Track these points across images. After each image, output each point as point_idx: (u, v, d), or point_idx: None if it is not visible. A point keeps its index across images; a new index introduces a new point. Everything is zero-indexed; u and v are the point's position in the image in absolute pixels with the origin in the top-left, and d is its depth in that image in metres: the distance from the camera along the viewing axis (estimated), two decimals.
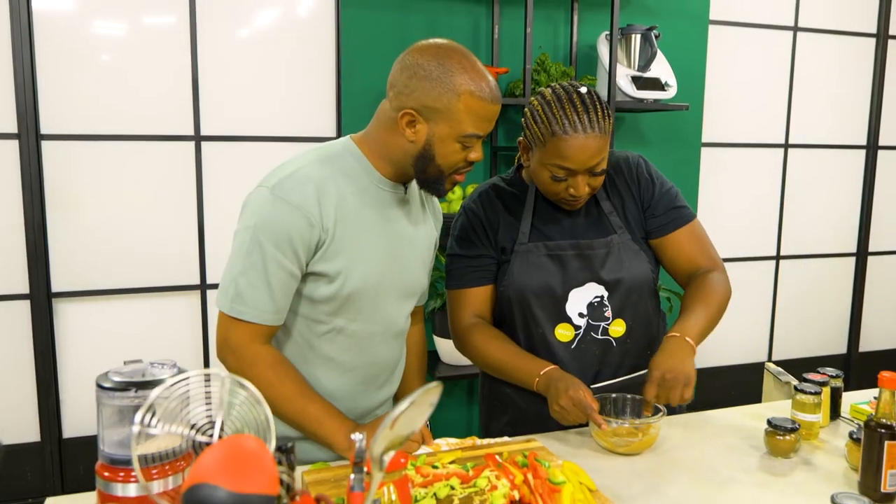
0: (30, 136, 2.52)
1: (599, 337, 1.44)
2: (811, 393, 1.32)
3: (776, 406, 1.54)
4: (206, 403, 0.78)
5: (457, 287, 1.49)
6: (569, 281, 1.42)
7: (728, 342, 3.65)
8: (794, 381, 1.71)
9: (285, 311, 1.23)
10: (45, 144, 2.56)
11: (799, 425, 1.26)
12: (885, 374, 1.08)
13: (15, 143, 2.52)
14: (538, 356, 1.43)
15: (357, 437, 0.74)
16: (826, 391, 1.38)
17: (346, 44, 2.74)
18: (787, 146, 3.62)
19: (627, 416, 1.33)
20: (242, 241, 1.19)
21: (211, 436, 0.78)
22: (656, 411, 1.30)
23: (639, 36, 2.84)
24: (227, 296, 1.20)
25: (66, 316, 2.67)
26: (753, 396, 3.75)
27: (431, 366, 2.76)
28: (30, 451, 2.67)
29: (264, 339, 1.22)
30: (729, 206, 3.56)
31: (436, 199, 1.48)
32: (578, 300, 1.43)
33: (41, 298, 2.60)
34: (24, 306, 2.61)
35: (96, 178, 2.63)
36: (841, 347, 3.94)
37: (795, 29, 3.52)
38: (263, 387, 1.19)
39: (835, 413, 1.44)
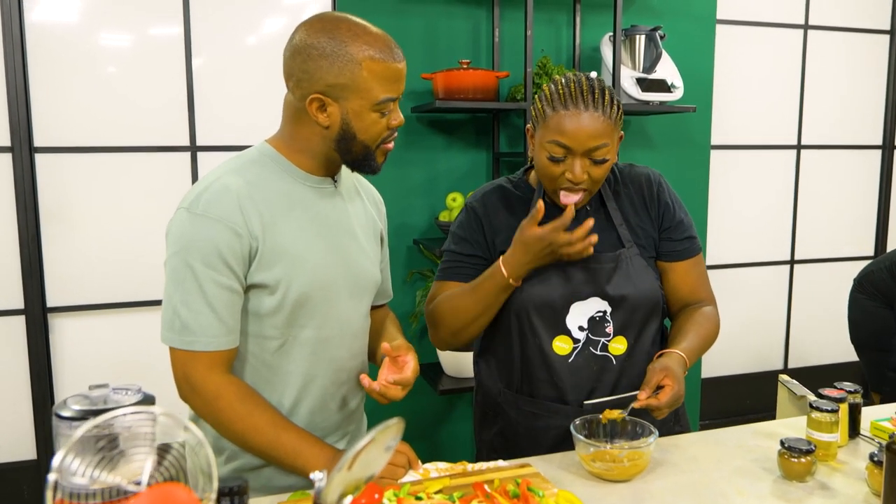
0: (23, 149, 2.48)
1: (598, 353, 1.37)
2: (828, 410, 1.23)
3: (791, 424, 1.45)
4: (142, 444, 0.71)
5: (441, 279, 1.47)
6: (572, 293, 1.36)
7: (741, 350, 3.55)
8: (811, 395, 1.62)
9: (237, 331, 1.17)
10: (38, 157, 2.52)
11: (815, 446, 1.18)
12: None
13: (8, 157, 2.49)
14: (533, 367, 1.38)
15: (317, 476, 0.67)
16: (844, 408, 1.29)
17: None
18: (799, 147, 3.52)
19: (619, 440, 1.25)
20: (173, 270, 1.13)
21: (139, 483, 0.71)
22: (647, 433, 1.22)
23: (643, 37, 2.76)
24: (174, 329, 1.13)
25: (62, 331, 2.62)
26: (767, 406, 3.65)
27: (434, 379, 2.69)
28: (26, 469, 2.62)
29: (224, 367, 1.15)
30: (740, 209, 3.47)
31: (373, 188, 1.43)
32: (579, 313, 1.36)
33: (36, 313, 2.56)
34: (19, 322, 2.57)
35: (91, 190, 2.59)
36: None
37: (806, 27, 3.43)
38: (231, 420, 1.13)
39: (854, 431, 1.35)
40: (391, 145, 1.22)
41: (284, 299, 1.17)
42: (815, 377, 3.67)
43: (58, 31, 2.49)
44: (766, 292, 3.59)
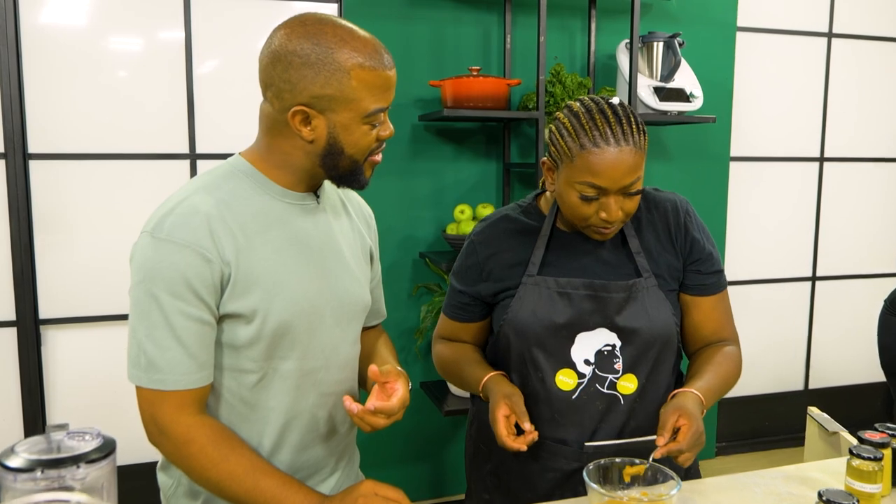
0: (16, 156, 2.40)
1: (605, 390, 1.26)
2: (870, 458, 1.11)
3: (826, 467, 1.33)
4: None
5: (447, 314, 1.44)
6: (577, 323, 1.25)
7: (761, 370, 3.41)
8: (844, 432, 1.50)
9: (211, 366, 1.06)
10: (32, 164, 2.44)
11: (857, 499, 1.06)
12: None
13: (1, 163, 2.41)
14: (533, 403, 1.27)
15: None
16: (888, 454, 1.17)
17: None
18: (822, 160, 3.39)
19: (635, 486, 1.13)
20: (137, 301, 1.03)
21: None
22: (668, 479, 1.10)
23: (661, 44, 2.65)
24: (139, 366, 1.02)
25: (55, 344, 2.53)
26: (787, 429, 3.53)
27: (440, 398, 2.58)
28: None
29: (195, 407, 1.04)
30: (760, 224, 3.34)
31: (362, 201, 1.33)
32: (586, 345, 1.25)
33: (28, 325, 2.47)
34: (11, 334, 2.48)
35: (86, 198, 2.50)
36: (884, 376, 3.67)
37: (830, 35, 3.31)
38: (204, 467, 1.01)
39: None
40: (379, 158, 1.12)
41: (262, 329, 1.06)
42: (838, 399, 3.53)
43: (54, 34, 2.41)
44: (786, 310, 3.45)
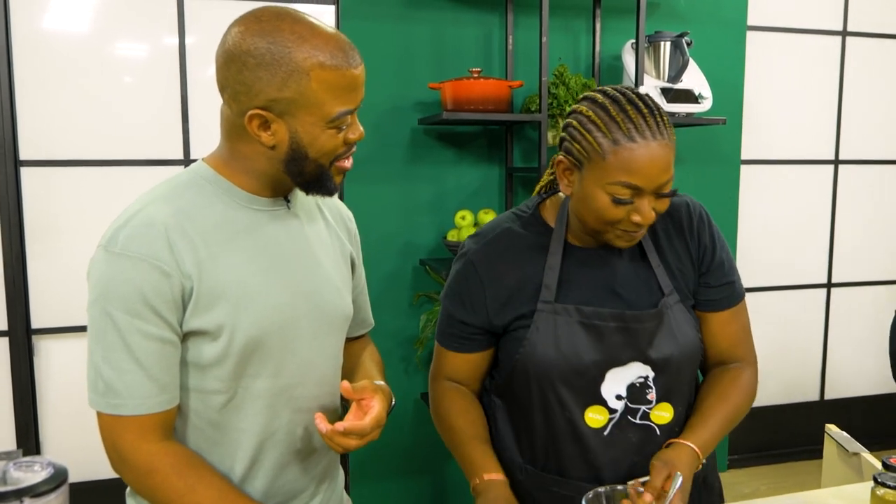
0: (7, 163, 2.35)
1: (638, 422, 1.15)
2: (888, 486, 1.02)
3: (848, 495, 1.23)
4: None
5: (442, 344, 1.26)
6: (607, 359, 1.13)
7: (774, 379, 3.31)
8: (865, 453, 1.41)
9: (175, 387, 0.98)
10: (24, 171, 2.39)
11: None
12: None
13: None
14: (561, 442, 1.16)
15: None
16: None
17: None
18: (837, 162, 3.29)
19: None
20: (93, 322, 0.95)
21: None
22: None
23: (668, 44, 2.57)
24: (98, 391, 0.95)
25: (48, 353, 2.48)
26: (801, 441, 3.41)
27: None
28: None
29: (159, 433, 0.96)
30: (773, 229, 3.24)
31: (340, 204, 1.23)
32: (617, 380, 1.14)
33: (20, 335, 2.42)
34: (3, 343, 2.43)
35: (79, 205, 2.45)
36: None
37: (844, 33, 3.21)
38: (169, 498, 0.93)
39: None
40: (348, 163, 1.02)
41: (230, 346, 0.98)
42: (855, 410, 3.42)
43: (45, 41, 2.36)
44: (800, 318, 3.35)
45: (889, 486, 1.02)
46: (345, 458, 2.71)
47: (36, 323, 2.45)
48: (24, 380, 2.43)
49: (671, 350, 1.14)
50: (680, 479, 1.03)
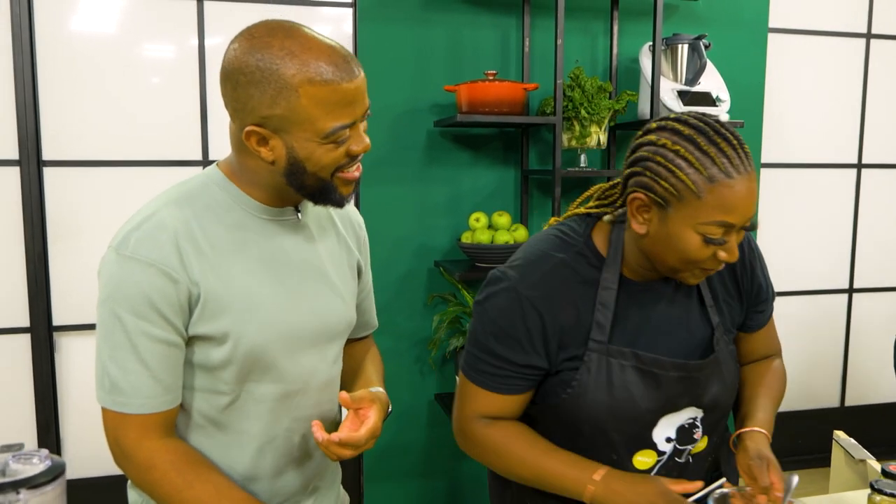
0: (31, 163, 2.41)
1: (681, 461, 1.15)
2: (893, 496, 1.01)
3: (847, 501, 1.22)
4: None
5: (482, 386, 1.13)
6: (665, 406, 1.11)
7: (794, 386, 3.26)
8: (872, 461, 1.38)
9: (178, 388, 1.00)
10: (46, 171, 2.45)
11: None
12: None
13: (16, 170, 2.42)
14: None
15: None
16: None
17: (364, 61, 2.54)
18: (860, 166, 3.24)
19: None
20: (102, 321, 0.98)
21: None
22: None
23: (686, 46, 2.55)
24: (104, 388, 0.98)
25: (69, 350, 2.54)
26: (820, 448, 3.35)
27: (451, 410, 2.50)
28: None
29: (161, 430, 0.99)
30: (794, 233, 3.20)
31: (351, 210, 1.22)
32: (670, 424, 1.13)
33: (42, 332, 2.48)
34: (25, 340, 2.49)
35: (100, 205, 2.50)
36: None
37: (868, 36, 3.16)
38: (168, 493, 0.96)
39: None
40: (354, 174, 1.01)
41: (235, 353, 1.00)
42: (876, 417, 3.36)
43: (68, 43, 2.42)
44: (821, 323, 3.30)
45: (885, 494, 1.01)
46: (359, 459, 2.72)
47: (57, 320, 2.50)
48: (45, 376, 2.49)
49: (720, 391, 1.14)
50: (796, 480, 1.03)
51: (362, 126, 1.00)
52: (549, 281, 1.09)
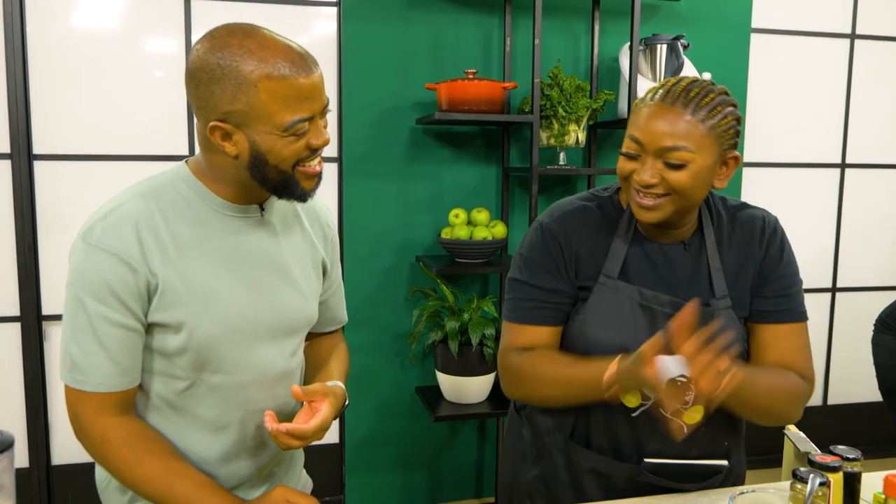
0: (21, 156, 2.46)
1: (669, 415, 1.17)
2: (805, 481, 1.04)
3: (781, 488, 1.26)
4: None
5: (517, 321, 1.25)
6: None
7: None
8: (814, 453, 1.42)
9: (136, 370, 1.06)
10: (37, 164, 2.50)
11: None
12: (892, 478, 0.82)
13: (7, 164, 2.47)
14: (592, 414, 1.22)
15: None
16: (837, 479, 1.10)
17: (348, 59, 2.59)
18: (843, 166, 3.26)
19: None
20: (67, 304, 1.05)
21: None
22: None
23: (664, 46, 2.58)
24: (66, 366, 1.05)
25: (57, 339, 2.59)
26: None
27: (434, 404, 2.55)
28: (18, 477, 2.59)
29: (117, 409, 1.05)
30: None
31: (321, 208, 1.27)
32: (661, 372, 1.15)
33: (31, 321, 2.54)
34: (15, 329, 2.55)
35: (90, 198, 2.53)
36: None
37: (853, 36, 3.17)
38: (119, 468, 1.02)
39: None
40: (316, 168, 1.06)
41: (189, 341, 1.06)
42: (859, 416, 3.38)
43: (58, 39, 2.47)
44: None
45: (800, 479, 1.04)
46: (340, 451, 2.78)
47: (46, 310, 2.56)
48: (34, 364, 2.55)
49: None
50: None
51: (322, 121, 1.05)
52: (570, 219, 1.24)
